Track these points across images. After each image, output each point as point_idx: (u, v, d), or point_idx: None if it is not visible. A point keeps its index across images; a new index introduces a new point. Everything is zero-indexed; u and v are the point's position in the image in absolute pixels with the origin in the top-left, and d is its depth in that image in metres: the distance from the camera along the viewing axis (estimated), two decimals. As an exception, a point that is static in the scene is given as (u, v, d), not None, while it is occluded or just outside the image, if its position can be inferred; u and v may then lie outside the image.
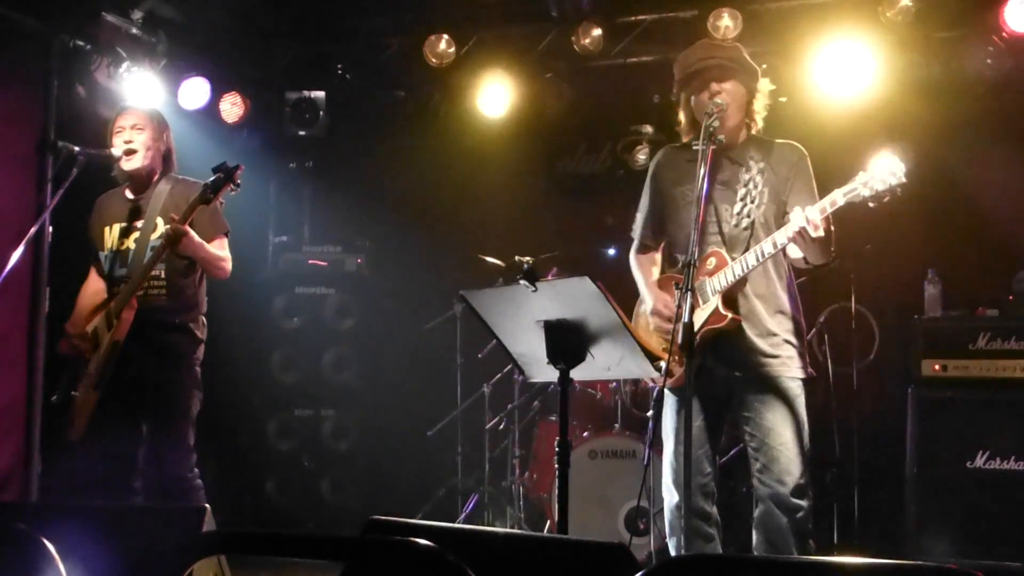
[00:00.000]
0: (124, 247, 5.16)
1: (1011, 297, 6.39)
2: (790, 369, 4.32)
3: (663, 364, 4.05)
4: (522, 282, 3.75)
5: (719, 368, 4.33)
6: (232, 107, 7.91)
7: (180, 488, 4.97)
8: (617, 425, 6.58)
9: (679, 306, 3.82)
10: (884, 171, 3.89)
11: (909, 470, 6.27)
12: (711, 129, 4.12)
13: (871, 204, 3.94)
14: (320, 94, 8.21)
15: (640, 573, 1.77)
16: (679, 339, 3.80)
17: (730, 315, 4.22)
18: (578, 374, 3.93)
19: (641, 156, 8.03)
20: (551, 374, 3.92)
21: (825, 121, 7.18)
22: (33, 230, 5.15)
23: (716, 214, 4.34)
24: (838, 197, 3.98)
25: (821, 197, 4.14)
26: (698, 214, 3.99)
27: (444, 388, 7.64)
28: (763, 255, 4.15)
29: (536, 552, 2.63)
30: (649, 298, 4.53)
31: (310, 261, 8.09)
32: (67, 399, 5.02)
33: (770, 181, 4.35)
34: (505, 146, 8.27)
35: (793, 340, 4.35)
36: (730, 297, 4.26)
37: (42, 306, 6.70)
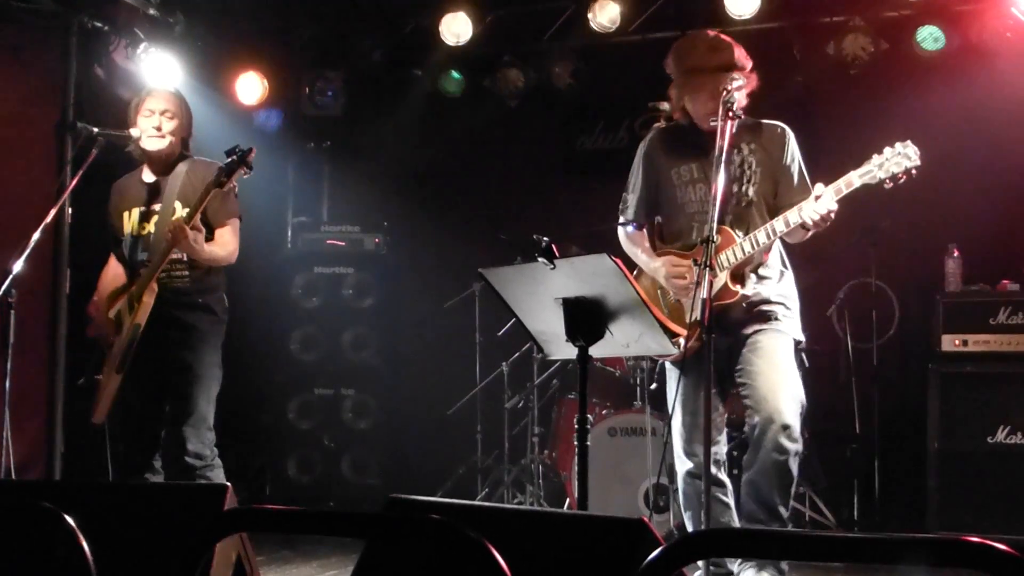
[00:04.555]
0: (144, 231, 5.17)
1: (1031, 271, 6.36)
2: (782, 326, 4.45)
3: (681, 340, 4.08)
4: (540, 259, 3.75)
5: (721, 338, 4.35)
6: (250, 87, 7.93)
7: (201, 467, 5.01)
8: (637, 402, 6.58)
9: (698, 283, 3.87)
10: (899, 154, 4.04)
11: (930, 445, 6.25)
12: (729, 103, 4.17)
13: (887, 185, 4.07)
14: (338, 74, 8.22)
15: (660, 548, 1.77)
16: (697, 315, 3.92)
17: (740, 291, 4.36)
18: (597, 351, 3.93)
19: (658, 133, 8.00)
20: (570, 351, 3.92)
21: (842, 97, 7.15)
22: (53, 211, 5.16)
23: (712, 194, 4.29)
24: (854, 179, 4.11)
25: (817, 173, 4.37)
26: (715, 190, 4.05)
27: (463, 366, 7.65)
28: (774, 233, 4.28)
29: (556, 529, 2.64)
30: (657, 265, 4.62)
31: (328, 241, 8.09)
32: (92, 382, 5.07)
33: (763, 161, 4.48)
34: (523, 123, 8.26)
35: (787, 303, 4.50)
36: (737, 273, 4.39)
37: (63, 287, 6.74)
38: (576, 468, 3.99)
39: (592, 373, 6.52)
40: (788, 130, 4.58)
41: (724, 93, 4.21)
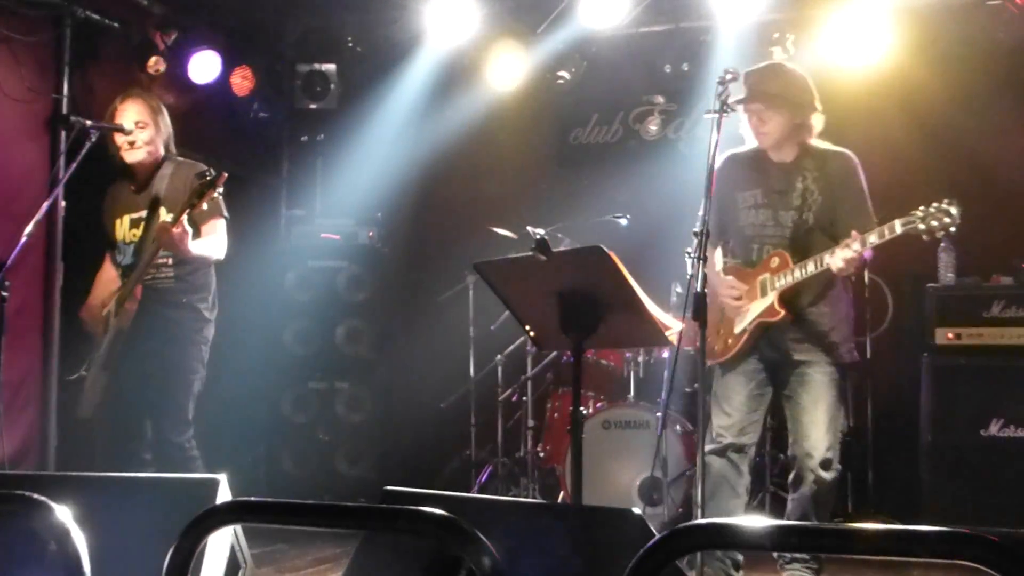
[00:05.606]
0: (135, 237, 5.24)
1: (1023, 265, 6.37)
2: (832, 356, 4.71)
3: (675, 334, 4.15)
4: (534, 252, 3.75)
5: (768, 351, 4.75)
6: (242, 81, 7.91)
7: (176, 456, 5.08)
8: (631, 396, 6.58)
9: (691, 275, 3.94)
10: (941, 212, 4.31)
11: (923, 438, 6.27)
12: (722, 98, 4.26)
13: (924, 237, 4.35)
14: (331, 67, 8.21)
15: (654, 540, 1.78)
16: (744, 325, 4.60)
17: (783, 312, 4.64)
18: (591, 344, 3.94)
19: (652, 127, 8.00)
20: (564, 344, 3.92)
21: (839, 89, 7.14)
22: (46, 204, 5.16)
23: (775, 218, 4.75)
24: (896, 226, 4.37)
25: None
26: (709, 185, 4.18)
27: (457, 360, 7.64)
28: (822, 265, 4.53)
29: (550, 521, 2.64)
30: (718, 281, 4.89)
31: (322, 234, 8.09)
32: (80, 378, 5.14)
33: (825, 190, 4.70)
34: (517, 117, 8.25)
35: (839, 329, 4.76)
36: (787, 296, 4.67)
37: (56, 280, 6.73)
38: (570, 461, 3.99)
39: (586, 366, 6.54)
40: (852, 158, 4.78)
41: (718, 88, 4.30)
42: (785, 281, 4.65)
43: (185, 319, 5.21)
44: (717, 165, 4.98)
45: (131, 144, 5.19)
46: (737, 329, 4.74)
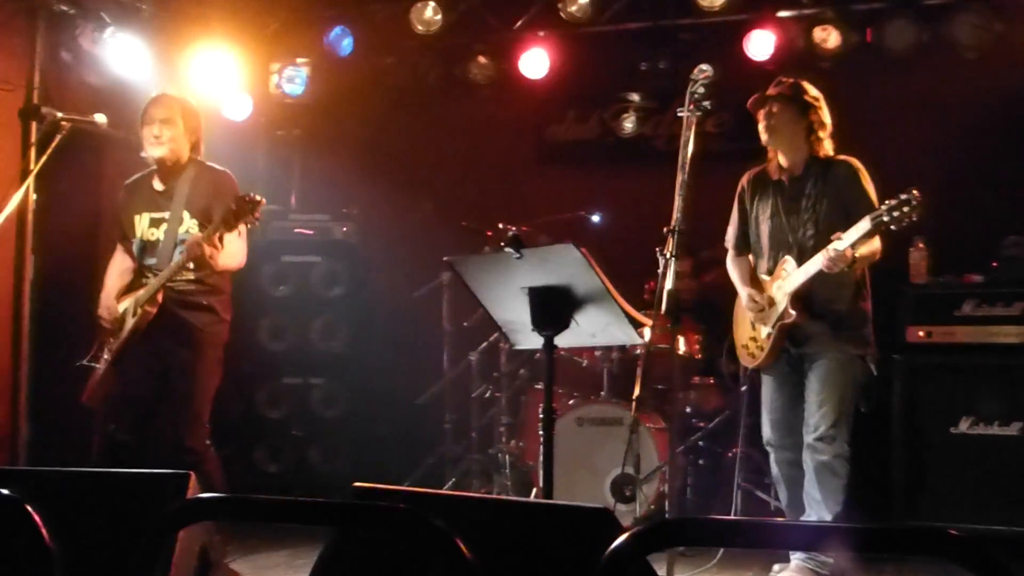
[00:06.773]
0: (154, 238, 5.24)
1: (995, 263, 6.39)
2: (846, 346, 5.06)
3: (648, 331, 4.21)
4: (507, 249, 3.76)
5: (792, 349, 5.14)
6: (219, 73, 7.86)
7: (194, 461, 5.06)
8: (604, 392, 6.59)
9: (662, 273, 3.98)
10: (902, 202, 4.59)
11: (894, 436, 6.29)
12: (695, 95, 4.35)
13: (893, 227, 4.66)
14: (308, 61, 8.18)
15: (624, 536, 1.78)
16: (768, 330, 5.03)
17: (795, 314, 4.96)
18: (563, 341, 3.95)
19: (628, 124, 8.01)
20: (537, 341, 3.93)
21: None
22: (16, 197, 5.14)
23: (787, 226, 5.12)
24: (866, 222, 4.69)
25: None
26: (684, 180, 4.29)
27: (432, 356, 7.64)
28: (816, 266, 4.84)
29: (521, 517, 2.64)
30: (742, 291, 5.34)
31: (296, 230, 8.06)
32: (89, 368, 5.20)
33: (832, 197, 5.04)
34: (493, 113, 8.25)
35: (853, 324, 5.10)
36: (800, 297, 4.98)
37: (26, 272, 6.69)
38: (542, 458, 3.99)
39: (560, 363, 6.54)
40: (856, 163, 5.10)
41: (691, 83, 4.35)
42: (789, 286, 4.96)
43: (205, 322, 5.23)
44: (743, 178, 5.39)
45: (156, 138, 5.19)
46: (763, 335, 5.13)
